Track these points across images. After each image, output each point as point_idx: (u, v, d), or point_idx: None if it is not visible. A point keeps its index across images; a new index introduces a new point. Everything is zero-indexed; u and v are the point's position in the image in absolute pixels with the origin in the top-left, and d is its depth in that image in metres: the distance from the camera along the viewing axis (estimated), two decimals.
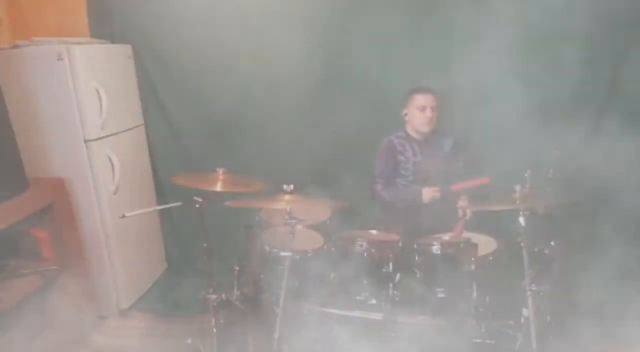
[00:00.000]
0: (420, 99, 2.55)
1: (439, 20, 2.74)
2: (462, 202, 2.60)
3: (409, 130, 2.68)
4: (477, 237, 2.27)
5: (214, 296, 2.23)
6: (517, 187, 2.07)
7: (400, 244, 2.28)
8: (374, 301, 2.22)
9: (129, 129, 2.94)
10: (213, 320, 2.23)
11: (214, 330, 2.23)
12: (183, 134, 3.16)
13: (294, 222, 2.05)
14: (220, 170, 2.19)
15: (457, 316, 2.09)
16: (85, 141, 2.60)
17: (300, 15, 2.83)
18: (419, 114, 2.57)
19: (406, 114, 2.64)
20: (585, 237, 2.82)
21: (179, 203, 2.21)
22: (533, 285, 1.98)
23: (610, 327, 2.45)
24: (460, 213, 2.50)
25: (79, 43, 2.57)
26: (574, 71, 2.69)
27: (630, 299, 2.67)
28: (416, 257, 2.23)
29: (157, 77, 3.07)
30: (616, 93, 2.71)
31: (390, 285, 2.18)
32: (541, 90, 2.73)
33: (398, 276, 2.21)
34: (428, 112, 2.55)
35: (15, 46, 2.55)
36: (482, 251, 2.17)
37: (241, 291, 2.31)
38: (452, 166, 2.73)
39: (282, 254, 2.04)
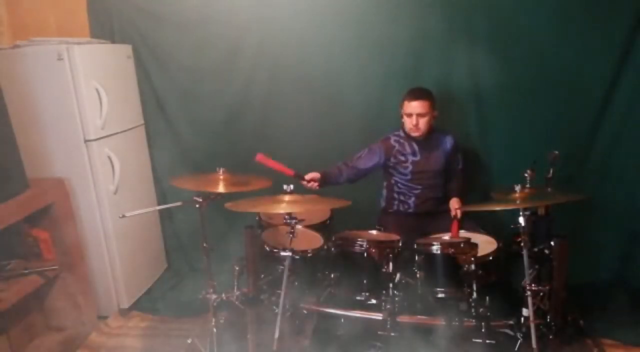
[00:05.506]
0: (408, 107, 2.56)
1: (440, 20, 2.74)
2: (454, 204, 2.61)
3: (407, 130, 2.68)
4: (477, 237, 2.27)
5: (214, 296, 2.23)
6: (517, 187, 2.07)
7: (400, 244, 2.28)
8: (374, 301, 2.22)
9: (129, 129, 2.94)
10: (213, 320, 2.23)
11: (214, 330, 2.23)
12: (183, 134, 3.16)
13: (294, 222, 2.05)
14: (221, 170, 2.19)
15: (457, 316, 2.09)
16: (85, 141, 2.60)
17: (301, 15, 2.83)
18: (407, 120, 2.59)
19: (402, 116, 2.65)
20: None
21: (179, 203, 2.20)
22: (533, 285, 1.98)
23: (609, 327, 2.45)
24: (452, 213, 2.52)
25: (79, 43, 2.57)
26: (573, 69, 2.70)
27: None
28: (416, 257, 2.23)
29: (157, 77, 3.07)
30: (616, 90, 2.70)
31: (390, 285, 2.19)
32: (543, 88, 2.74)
33: (398, 276, 2.21)
34: (414, 120, 2.55)
35: (15, 46, 2.54)
36: (482, 251, 2.17)
37: (241, 291, 2.31)
38: (452, 165, 2.73)
39: (282, 254, 2.04)
